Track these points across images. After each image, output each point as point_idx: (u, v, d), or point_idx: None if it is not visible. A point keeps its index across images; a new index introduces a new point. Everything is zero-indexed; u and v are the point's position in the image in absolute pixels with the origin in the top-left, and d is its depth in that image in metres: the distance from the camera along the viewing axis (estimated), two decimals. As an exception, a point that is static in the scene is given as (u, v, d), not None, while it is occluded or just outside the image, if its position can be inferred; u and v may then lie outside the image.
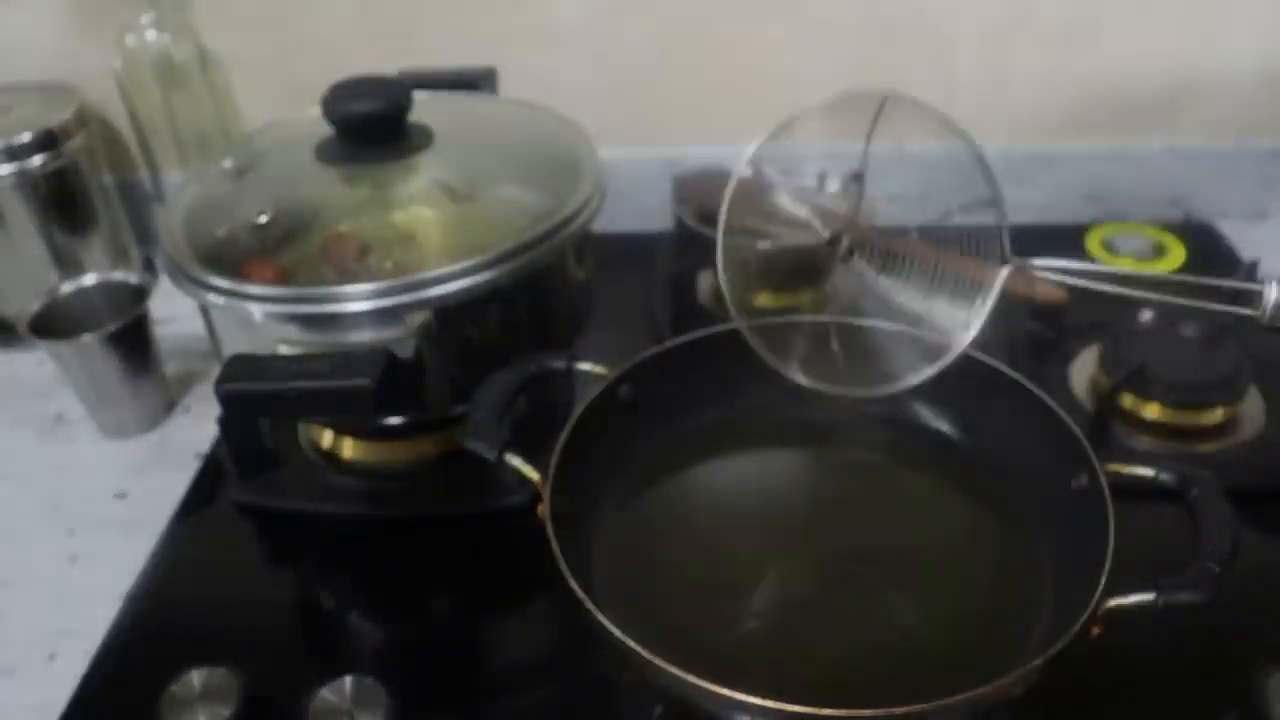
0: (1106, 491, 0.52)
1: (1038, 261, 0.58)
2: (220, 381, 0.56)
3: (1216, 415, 0.70)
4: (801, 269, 0.72)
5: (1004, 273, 0.57)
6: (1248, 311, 0.55)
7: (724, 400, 0.65)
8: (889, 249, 0.61)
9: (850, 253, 0.61)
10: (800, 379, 0.60)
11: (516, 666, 0.60)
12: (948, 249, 0.58)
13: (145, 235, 0.97)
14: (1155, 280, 0.58)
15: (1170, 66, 0.93)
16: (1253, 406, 0.72)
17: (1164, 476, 0.52)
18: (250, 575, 0.66)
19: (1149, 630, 0.49)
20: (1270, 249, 0.88)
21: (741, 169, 0.58)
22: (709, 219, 0.81)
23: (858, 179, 0.78)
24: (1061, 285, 0.57)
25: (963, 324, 0.59)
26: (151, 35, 0.85)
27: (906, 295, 0.60)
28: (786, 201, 0.67)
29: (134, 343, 0.75)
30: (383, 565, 0.66)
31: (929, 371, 0.59)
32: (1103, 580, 0.47)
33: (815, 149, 0.59)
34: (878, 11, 0.91)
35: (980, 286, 0.58)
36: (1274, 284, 0.54)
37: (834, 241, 0.62)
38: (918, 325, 0.60)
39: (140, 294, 0.76)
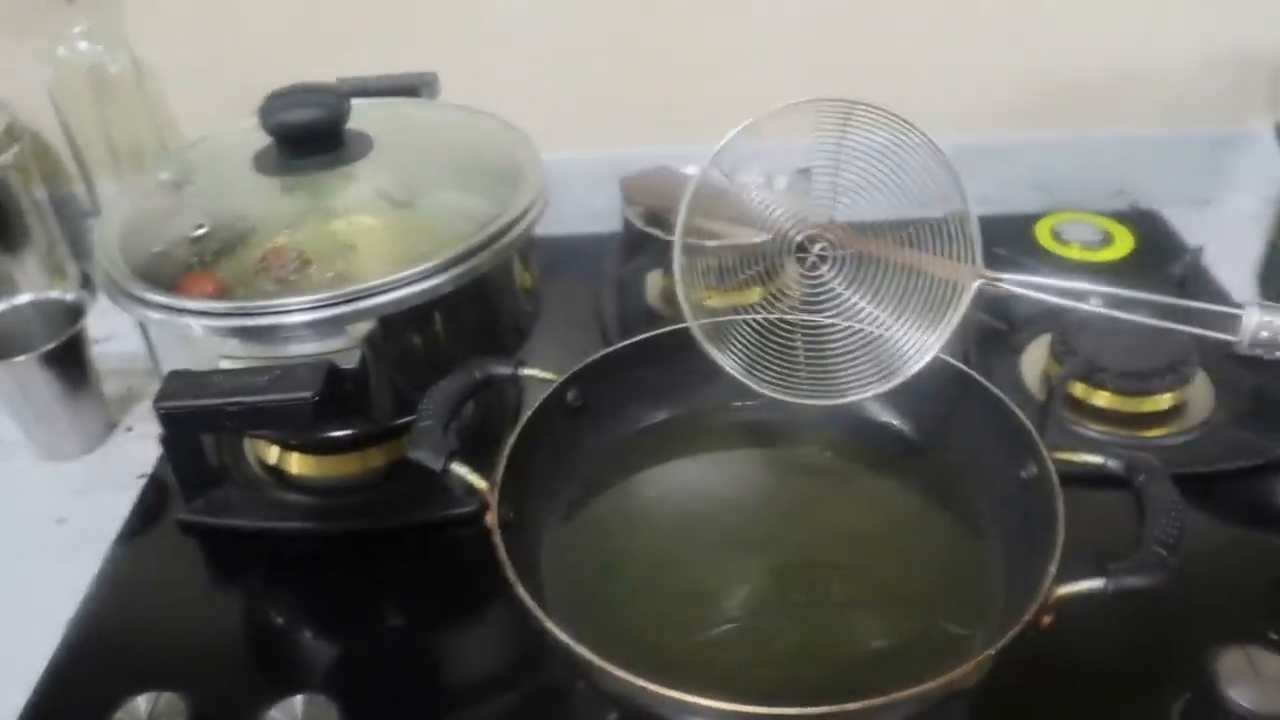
0: (1055, 480, 0.52)
1: (1010, 276, 0.57)
2: (159, 399, 0.55)
3: (1164, 401, 0.71)
4: (752, 265, 0.71)
5: (972, 288, 0.57)
6: (1227, 338, 0.54)
7: (673, 402, 0.65)
8: (859, 254, 0.60)
9: (819, 260, 0.60)
10: (751, 384, 0.60)
11: (470, 678, 0.60)
12: (920, 252, 0.58)
13: (81, 251, 0.95)
14: (1134, 299, 0.57)
15: (1113, 55, 0.94)
16: (1200, 391, 0.73)
17: (1111, 463, 0.52)
18: (197, 596, 0.65)
19: (1100, 617, 0.49)
20: (1213, 235, 0.89)
21: (703, 171, 0.57)
22: (657, 220, 0.81)
23: (805, 174, 0.79)
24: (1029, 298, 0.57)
25: (919, 347, 0.59)
26: (84, 46, 0.84)
27: (869, 308, 0.60)
28: (746, 204, 0.66)
29: (71, 362, 0.73)
30: (332, 580, 0.65)
31: (880, 389, 0.59)
32: (1052, 569, 0.47)
33: (768, 145, 0.57)
34: (824, 6, 0.91)
35: (946, 302, 0.58)
36: (1254, 308, 0.53)
37: (803, 248, 0.61)
38: (878, 334, 0.60)
39: (76, 312, 0.74)
